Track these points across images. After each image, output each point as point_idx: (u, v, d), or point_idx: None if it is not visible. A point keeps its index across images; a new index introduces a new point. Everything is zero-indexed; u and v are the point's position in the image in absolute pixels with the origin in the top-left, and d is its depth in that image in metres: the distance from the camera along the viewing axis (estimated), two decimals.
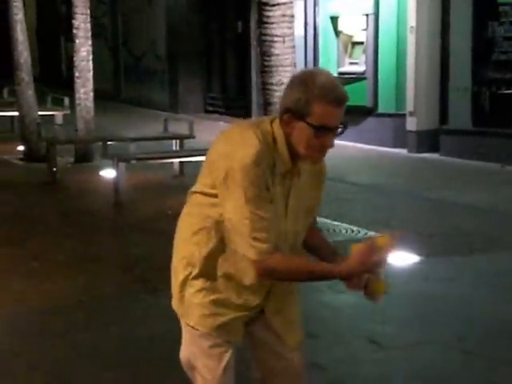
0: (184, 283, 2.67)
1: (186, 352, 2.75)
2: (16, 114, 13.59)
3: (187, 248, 2.67)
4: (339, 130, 2.56)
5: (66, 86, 16.85)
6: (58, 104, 15.63)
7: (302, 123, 2.50)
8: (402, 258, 6.67)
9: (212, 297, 2.65)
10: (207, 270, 2.64)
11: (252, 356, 2.85)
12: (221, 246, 2.60)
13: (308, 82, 2.50)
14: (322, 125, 2.49)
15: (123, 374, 4.36)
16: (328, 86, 2.49)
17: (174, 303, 2.74)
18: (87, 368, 4.46)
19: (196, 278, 2.65)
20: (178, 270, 2.70)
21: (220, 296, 2.65)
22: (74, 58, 12.30)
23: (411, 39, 13.10)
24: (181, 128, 11.54)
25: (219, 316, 2.65)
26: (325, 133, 2.51)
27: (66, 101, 15.21)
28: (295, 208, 2.64)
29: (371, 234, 7.58)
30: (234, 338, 2.72)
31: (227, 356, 2.69)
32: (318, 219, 7.67)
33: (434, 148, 12.83)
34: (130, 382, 4.29)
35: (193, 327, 2.68)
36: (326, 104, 2.48)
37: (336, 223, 7.96)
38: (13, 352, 4.70)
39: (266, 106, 7.38)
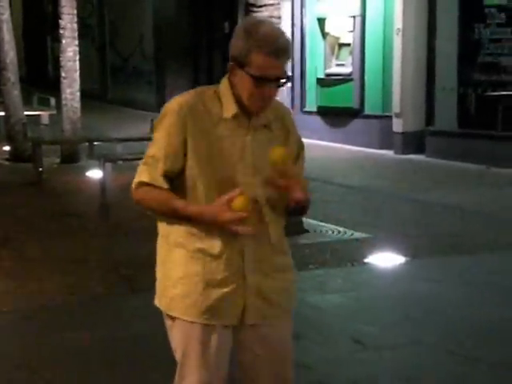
0: (162, 280, 2.70)
1: (173, 344, 2.72)
2: (2, 114, 13.55)
3: (158, 248, 2.76)
4: (281, 81, 2.55)
5: (53, 86, 16.82)
6: (44, 104, 15.58)
7: (243, 72, 2.52)
8: (388, 259, 6.70)
9: (190, 284, 2.62)
10: (176, 260, 2.65)
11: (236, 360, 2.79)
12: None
13: (251, 31, 2.51)
14: (261, 75, 2.50)
15: (110, 373, 4.35)
16: (269, 37, 2.49)
17: (157, 301, 2.73)
18: (74, 367, 4.44)
19: (171, 270, 2.67)
20: (158, 271, 2.75)
21: (198, 279, 2.62)
22: (61, 58, 12.28)
23: (398, 41, 13.15)
24: None
25: (202, 301, 2.62)
26: (264, 83, 2.51)
27: (53, 101, 15.17)
28: (257, 163, 2.60)
29: (358, 235, 7.60)
30: (222, 319, 2.64)
31: (215, 341, 2.64)
32: (305, 220, 7.68)
33: (420, 149, 12.88)
34: (116, 381, 4.27)
35: (177, 318, 2.66)
36: (264, 55, 2.48)
37: (322, 224, 7.97)
38: None
39: None
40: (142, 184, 2.62)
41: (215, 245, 2.60)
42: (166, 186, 2.60)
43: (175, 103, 2.61)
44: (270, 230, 2.66)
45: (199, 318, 2.63)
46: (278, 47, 2.49)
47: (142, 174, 2.63)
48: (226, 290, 2.62)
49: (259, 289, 2.66)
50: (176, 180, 2.62)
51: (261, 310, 2.68)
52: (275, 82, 2.53)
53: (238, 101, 2.57)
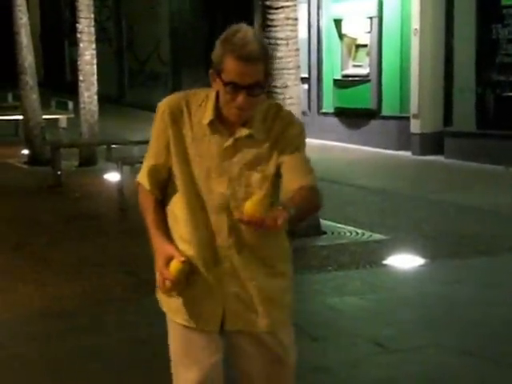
0: (157, 278, 2.79)
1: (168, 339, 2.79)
2: (20, 117, 13.64)
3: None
4: (255, 89, 2.46)
5: (70, 89, 16.91)
6: (62, 108, 15.67)
7: (219, 79, 2.49)
8: (407, 261, 6.67)
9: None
10: None
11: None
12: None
13: (228, 37, 2.47)
14: (231, 80, 2.44)
15: (126, 377, 4.35)
16: (240, 42, 2.42)
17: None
18: (90, 371, 4.45)
19: None
20: None
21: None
22: (78, 62, 12.33)
23: (415, 41, 13.10)
24: None
25: (180, 302, 2.65)
26: (235, 90, 2.44)
27: (70, 104, 15.24)
28: (233, 172, 2.57)
29: (376, 236, 7.57)
30: (200, 323, 2.65)
31: (197, 342, 2.65)
32: (323, 222, 7.68)
33: (439, 150, 12.82)
34: (134, 383, 4.28)
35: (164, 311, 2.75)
36: (234, 59, 2.42)
37: (341, 226, 7.96)
38: (16, 354, 4.70)
39: None
40: (138, 183, 2.74)
41: (193, 251, 2.61)
42: (148, 186, 2.68)
43: (161, 106, 2.64)
44: (248, 240, 2.60)
45: (178, 318, 2.67)
46: (247, 52, 2.40)
47: (143, 170, 2.73)
48: (202, 295, 2.63)
49: (238, 296, 2.63)
50: (169, 183, 2.66)
51: (242, 316, 2.64)
52: (248, 89, 2.45)
53: (219, 108, 2.54)
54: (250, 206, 2.32)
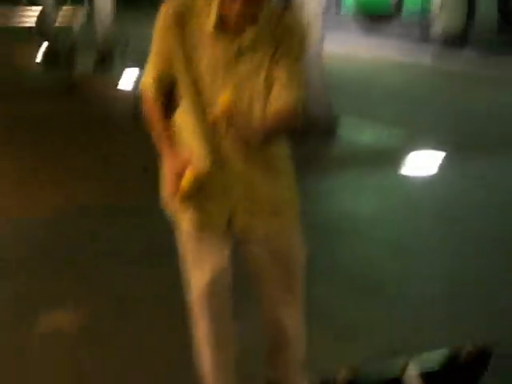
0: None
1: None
2: (33, 25, 13.64)
3: None
4: None
5: None
6: (77, 1, 15.59)
7: None
8: (425, 161, 6.64)
9: None
10: None
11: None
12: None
13: None
14: None
15: (141, 275, 4.40)
16: None
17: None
18: (109, 263, 4.51)
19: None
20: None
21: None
22: None
23: None
24: None
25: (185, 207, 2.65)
26: None
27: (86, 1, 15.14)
28: (235, 79, 2.52)
29: (394, 136, 7.52)
30: (205, 226, 2.65)
31: (203, 245, 2.67)
32: (345, 118, 7.69)
33: (460, 49, 12.60)
34: (147, 279, 4.33)
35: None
36: None
37: (360, 124, 7.92)
38: (39, 250, 4.76)
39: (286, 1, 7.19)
40: (141, 90, 2.67)
41: (200, 156, 2.58)
42: (154, 92, 2.61)
43: (165, 6, 2.55)
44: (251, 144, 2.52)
45: (185, 222, 2.67)
46: None
47: (147, 74, 2.64)
48: (209, 198, 2.61)
49: (244, 198, 2.62)
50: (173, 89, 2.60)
51: (249, 218, 2.64)
52: None
53: (223, 13, 2.48)
54: (223, 101, 2.36)
